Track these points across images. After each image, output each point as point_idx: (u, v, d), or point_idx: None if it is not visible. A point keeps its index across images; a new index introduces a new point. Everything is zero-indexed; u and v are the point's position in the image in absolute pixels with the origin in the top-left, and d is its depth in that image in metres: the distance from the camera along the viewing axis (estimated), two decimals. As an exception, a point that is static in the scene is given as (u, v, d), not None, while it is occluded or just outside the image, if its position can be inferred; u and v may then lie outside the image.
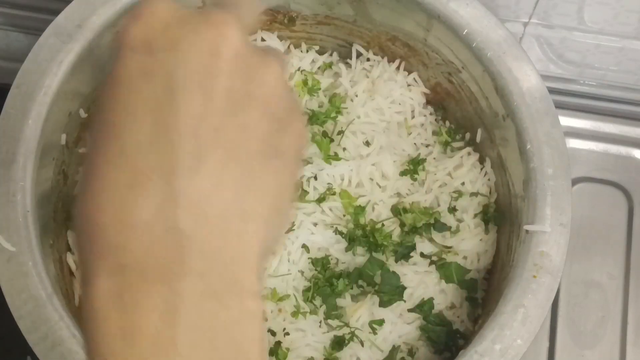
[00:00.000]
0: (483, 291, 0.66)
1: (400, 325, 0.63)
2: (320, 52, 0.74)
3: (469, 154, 0.69)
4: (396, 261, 0.64)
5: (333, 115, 0.68)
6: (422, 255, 0.65)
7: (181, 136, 0.27)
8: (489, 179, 0.68)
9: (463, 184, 0.68)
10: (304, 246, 0.65)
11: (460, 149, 0.70)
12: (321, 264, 0.64)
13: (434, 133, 0.71)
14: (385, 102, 0.70)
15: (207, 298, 0.26)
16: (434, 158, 0.70)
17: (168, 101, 0.27)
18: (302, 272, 0.64)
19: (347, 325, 0.63)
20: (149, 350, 0.25)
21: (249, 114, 0.28)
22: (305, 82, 0.71)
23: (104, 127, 0.28)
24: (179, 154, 0.27)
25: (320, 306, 0.63)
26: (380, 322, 0.63)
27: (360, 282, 0.64)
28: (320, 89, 0.71)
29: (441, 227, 0.66)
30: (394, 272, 0.63)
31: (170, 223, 0.26)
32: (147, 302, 0.25)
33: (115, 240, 0.26)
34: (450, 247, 0.66)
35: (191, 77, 0.27)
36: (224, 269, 0.27)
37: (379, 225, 0.65)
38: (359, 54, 0.72)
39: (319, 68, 0.73)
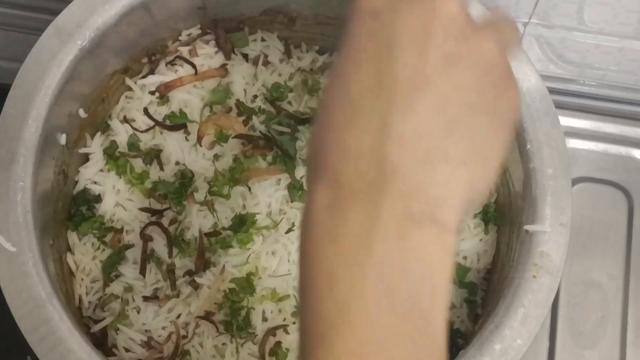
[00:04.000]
0: (483, 291, 0.66)
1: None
2: (321, 52, 0.74)
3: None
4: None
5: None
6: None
7: (397, 83, 0.31)
8: (489, 179, 0.68)
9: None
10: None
11: (460, 149, 0.70)
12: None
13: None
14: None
15: (404, 218, 0.30)
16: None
17: (387, 55, 0.32)
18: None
19: None
20: (348, 250, 0.30)
21: (461, 71, 0.32)
22: (305, 82, 0.71)
23: (336, 75, 0.33)
24: (394, 98, 0.31)
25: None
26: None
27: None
28: (320, 88, 0.71)
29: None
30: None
31: (379, 153, 0.30)
32: (352, 212, 0.30)
33: (333, 160, 0.31)
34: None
35: (409, 35, 0.32)
36: (423, 200, 0.30)
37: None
38: (359, 54, 0.72)
39: (319, 68, 0.73)
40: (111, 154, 0.67)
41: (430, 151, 0.31)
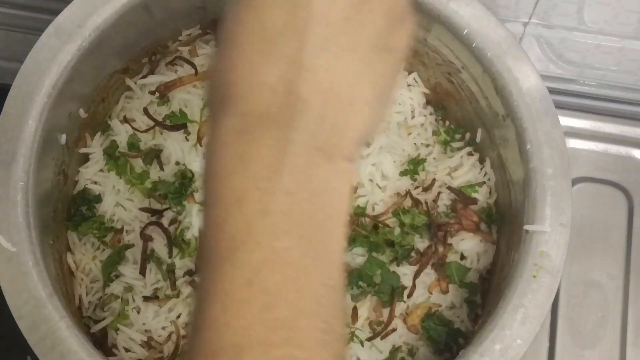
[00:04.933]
0: (483, 291, 0.66)
1: (400, 325, 0.64)
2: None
3: (469, 154, 0.69)
4: (397, 265, 0.64)
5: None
6: (421, 255, 0.65)
7: (314, 19, 0.31)
8: (489, 179, 0.68)
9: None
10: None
11: (460, 149, 0.70)
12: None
13: (434, 133, 0.71)
14: (385, 102, 0.70)
15: (312, 149, 0.31)
16: (434, 158, 0.70)
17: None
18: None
19: (347, 325, 0.62)
20: (258, 174, 0.31)
21: (373, 11, 0.33)
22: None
23: (248, 7, 0.33)
24: (309, 34, 0.31)
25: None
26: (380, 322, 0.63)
27: (360, 282, 0.63)
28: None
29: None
30: (394, 272, 0.63)
31: (291, 87, 0.31)
32: (263, 139, 0.31)
33: (243, 92, 0.32)
34: (450, 247, 0.66)
35: None
36: (330, 133, 0.32)
37: (382, 218, 0.65)
38: (359, 54, 0.72)
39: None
40: (111, 153, 0.67)
41: (340, 90, 0.32)
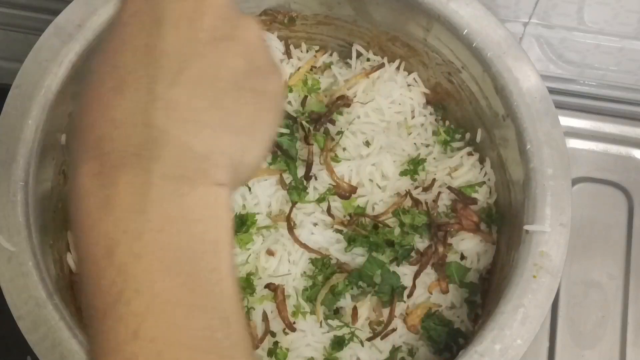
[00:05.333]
0: (483, 291, 0.66)
1: (400, 325, 0.64)
2: (321, 52, 0.74)
3: (469, 154, 0.69)
4: (397, 265, 0.64)
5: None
6: (421, 255, 0.65)
7: (165, 54, 0.31)
8: (489, 179, 0.68)
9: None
10: (304, 246, 0.65)
11: (460, 149, 0.70)
12: (321, 263, 0.64)
13: (434, 133, 0.71)
14: (385, 102, 0.70)
15: (176, 179, 0.30)
16: (434, 158, 0.70)
17: (157, 30, 0.32)
18: (302, 272, 0.64)
19: (347, 325, 0.63)
20: (123, 216, 0.29)
21: (229, 49, 0.32)
22: (305, 82, 0.71)
23: (101, 55, 0.33)
24: (161, 68, 0.31)
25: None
26: (380, 323, 0.63)
27: (360, 282, 0.63)
28: (320, 89, 0.71)
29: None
30: (394, 272, 0.63)
31: (146, 119, 0.30)
32: (123, 177, 0.29)
33: (99, 132, 0.30)
34: (450, 247, 0.66)
35: (179, 14, 0.32)
36: (193, 160, 0.30)
37: (382, 218, 0.65)
38: (359, 54, 0.72)
39: (318, 68, 0.73)
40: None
41: (198, 118, 0.31)
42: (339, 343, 0.62)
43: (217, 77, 0.32)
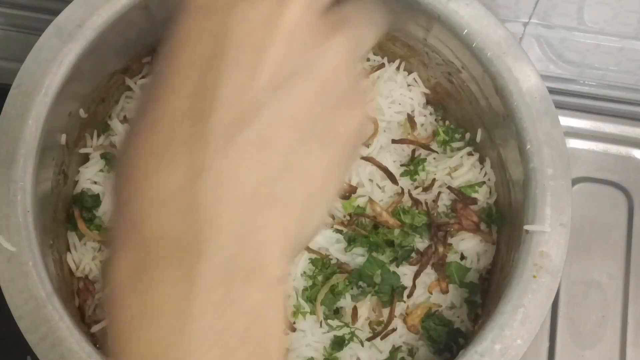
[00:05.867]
0: (483, 291, 0.66)
1: (400, 325, 0.64)
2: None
3: (469, 154, 0.69)
4: (397, 265, 0.64)
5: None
6: (421, 255, 0.65)
7: (218, 110, 0.25)
8: (489, 179, 0.68)
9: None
10: (304, 246, 0.65)
11: (460, 149, 0.70)
12: (321, 263, 0.64)
13: (434, 133, 0.71)
14: (385, 102, 0.70)
15: (224, 283, 0.25)
16: (434, 158, 0.70)
17: (213, 68, 0.26)
18: (302, 272, 0.65)
19: (347, 325, 0.63)
20: (160, 340, 0.25)
21: (297, 93, 0.26)
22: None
23: (152, 87, 0.27)
24: (212, 128, 0.25)
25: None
26: (380, 323, 0.63)
27: (360, 282, 0.63)
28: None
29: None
30: (394, 272, 0.63)
31: (192, 199, 0.25)
32: (162, 287, 0.25)
33: (137, 213, 0.25)
34: (450, 247, 0.66)
35: (241, 44, 0.26)
36: (248, 251, 0.25)
37: (381, 218, 0.65)
38: (359, 54, 0.72)
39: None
40: (110, 158, 0.67)
41: (254, 194, 0.25)
42: (338, 343, 0.62)
43: (280, 135, 0.26)
